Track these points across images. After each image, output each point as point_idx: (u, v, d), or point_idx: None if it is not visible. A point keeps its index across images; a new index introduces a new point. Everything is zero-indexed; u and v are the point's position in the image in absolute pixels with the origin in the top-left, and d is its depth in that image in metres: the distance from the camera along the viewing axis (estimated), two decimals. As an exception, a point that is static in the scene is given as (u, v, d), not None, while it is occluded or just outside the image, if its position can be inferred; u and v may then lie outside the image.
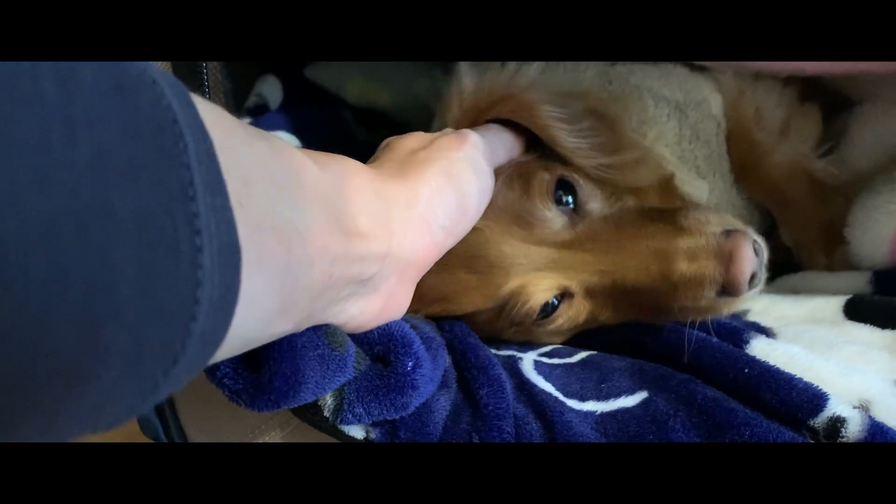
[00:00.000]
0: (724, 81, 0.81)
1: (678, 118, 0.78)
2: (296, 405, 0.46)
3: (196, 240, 0.26)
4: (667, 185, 0.75)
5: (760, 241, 0.56)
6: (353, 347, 0.49)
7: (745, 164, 0.81)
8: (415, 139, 0.55)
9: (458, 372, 0.59)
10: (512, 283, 0.59)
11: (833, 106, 0.82)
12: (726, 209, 0.80)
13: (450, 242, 0.53)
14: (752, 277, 0.54)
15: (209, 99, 0.56)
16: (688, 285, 0.55)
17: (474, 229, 0.57)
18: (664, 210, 0.60)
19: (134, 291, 0.24)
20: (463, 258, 0.59)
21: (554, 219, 0.59)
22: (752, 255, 0.53)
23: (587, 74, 0.80)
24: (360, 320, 0.49)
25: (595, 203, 0.61)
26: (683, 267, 0.55)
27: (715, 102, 0.80)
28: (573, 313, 0.62)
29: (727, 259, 0.53)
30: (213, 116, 0.31)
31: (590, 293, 0.60)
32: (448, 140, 0.54)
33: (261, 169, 0.34)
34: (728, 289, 0.54)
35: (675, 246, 0.55)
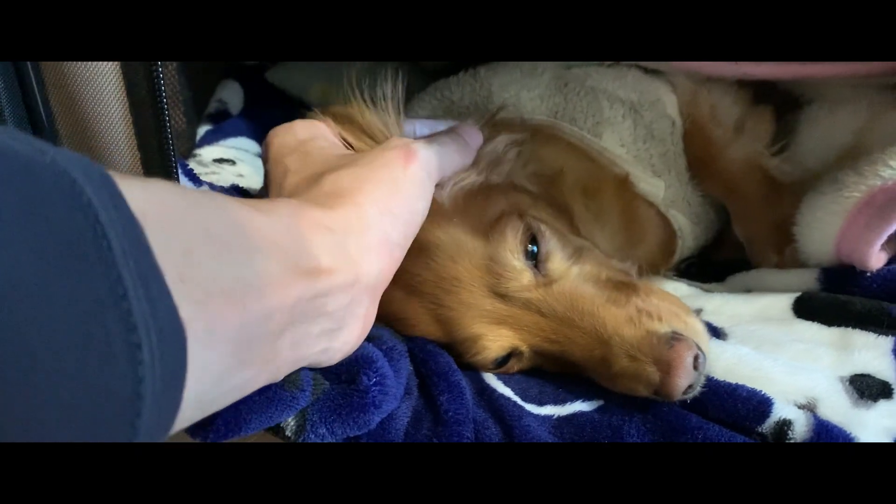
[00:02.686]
0: (679, 83, 0.82)
1: (633, 118, 0.79)
2: (238, 437, 0.47)
3: (133, 337, 0.26)
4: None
5: (705, 349, 0.56)
6: (309, 383, 0.50)
7: (701, 159, 0.83)
8: (346, 156, 0.55)
9: (420, 378, 0.59)
10: (471, 330, 0.60)
11: (784, 106, 0.83)
12: (682, 206, 0.81)
13: (403, 254, 0.53)
14: (689, 388, 0.54)
15: (164, 107, 0.55)
16: (625, 379, 0.56)
17: (449, 265, 0.59)
18: (621, 283, 0.61)
19: (61, 417, 0.24)
20: (430, 293, 0.60)
21: (522, 272, 0.60)
22: (690, 369, 0.53)
23: (544, 77, 0.81)
24: (344, 350, 0.50)
25: (555, 260, 0.61)
26: (623, 363, 0.55)
27: (670, 102, 0.82)
28: (522, 365, 0.63)
29: (665, 369, 0.53)
30: (148, 194, 0.31)
31: (536, 354, 0.62)
32: (394, 155, 0.53)
33: (204, 235, 0.34)
34: (661, 395, 0.55)
35: (621, 337, 0.56)
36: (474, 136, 0.65)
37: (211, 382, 0.34)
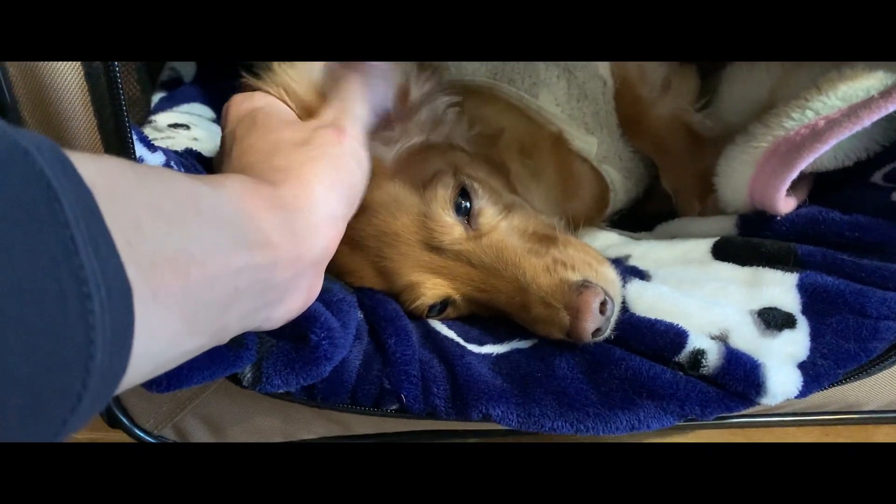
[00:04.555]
0: (609, 44, 0.86)
1: (567, 79, 0.83)
2: (181, 389, 0.52)
3: (84, 289, 0.29)
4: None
5: (613, 295, 0.61)
6: (254, 341, 0.54)
7: (630, 117, 0.87)
8: (289, 131, 0.58)
9: (370, 325, 0.64)
10: (409, 279, 0.65)
11: (708, 65, 0.88)
12: (614, 161, 0.86)
13: (346, 224, 0.57)
14: (597, 331, 0.60)
15: (118, 77, 0.57)
16: (541, 323, 0.61)
17: (390, 220, 0.63)
18: (545, 236, 0.66)
19: (22, 359, 0.27)
20: (373, 247, 0.64)
21: (453, 226, 0.64)
22: (597, 314, 0.58)
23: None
24: (285, 318, 0.53)
25: (486, 215, 0.65)
26: (539, 310, 0.61)
27: (601, 63, 0.86)
28: (458, 312, 0.68)
29: (574, 314, 0.58)
30: (99, 168, 0.34)
31: (469, 301, 0.67)
32: (328, 135, 0.56)
33: (152, 208, 0.37)
34: (572, 337, 0.60)
35: (538, 285, 0.61)
36: (386, 71, 0.66)
37: (162, 345, 0.37)
